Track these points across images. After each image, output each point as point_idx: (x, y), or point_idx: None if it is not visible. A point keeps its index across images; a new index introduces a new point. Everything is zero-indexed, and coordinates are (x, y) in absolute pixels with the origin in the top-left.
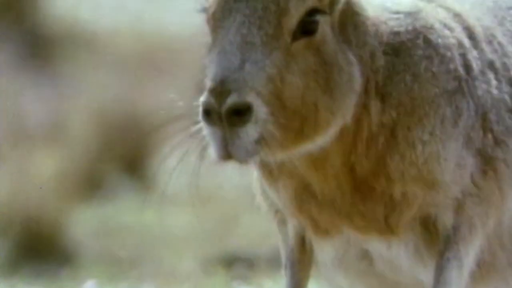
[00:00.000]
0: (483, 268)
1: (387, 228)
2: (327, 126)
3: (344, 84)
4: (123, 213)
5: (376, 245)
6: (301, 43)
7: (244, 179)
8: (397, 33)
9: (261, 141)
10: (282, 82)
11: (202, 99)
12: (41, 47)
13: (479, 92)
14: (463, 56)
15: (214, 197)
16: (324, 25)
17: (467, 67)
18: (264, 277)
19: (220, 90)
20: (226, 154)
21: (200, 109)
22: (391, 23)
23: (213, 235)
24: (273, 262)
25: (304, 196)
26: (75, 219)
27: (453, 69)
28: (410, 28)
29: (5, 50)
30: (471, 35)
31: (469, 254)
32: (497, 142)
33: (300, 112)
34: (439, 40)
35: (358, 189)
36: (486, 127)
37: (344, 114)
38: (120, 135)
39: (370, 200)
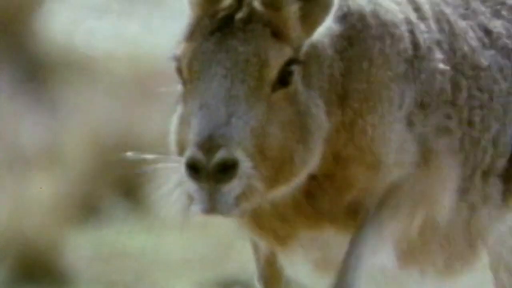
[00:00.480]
0: (409, 250)
1: (334, 217)
2: (300, 175)
3: (316, 131)
4: (119, 237)
5: (328, 234)
6: (279, 94)
7: None
8: (344, 17)
9: (243, 195)
10: (264, 135)
11: (188, 153)
12: (37, 72)
13: (423, 76)
14: (411, 32)
15: (210, 221)
16: (297, 74)
17: (415, 45)
18: None
19: (208, 145)
20: (211, 208)
21: (185, 164)
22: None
23: (209, 259)
24: None
25: (259, 211)
26: (71, 242)
27: (402, 50)
28: (356, 7)
29: (1, 75)
30: (417, 8)
31: (391, 226)
32: (439, 129)
33: (277, 163)
34: (388, 16)
35: (310, 189)
36: (427, 113)
37: (316, 159)
38: (116, 159)
39: (320, 194)
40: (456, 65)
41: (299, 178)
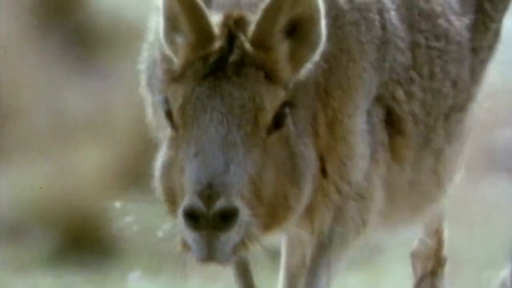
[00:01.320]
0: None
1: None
2: (294, 215)
3: (306, 171)
4: (165, 205)
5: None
6: (273, 137)
7: None
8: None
9: (241, 243)
10: (260, 181)
11: (186, 202)
12: (85, 39)
13: (386, 65)
14: (380, 13)
15: None
16: (289, 115)
17: (383, 28)
18: None
19: (208, 194)
20: (209, 257)
21: (183, 212)
22: None
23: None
24: None
25: None
26: (119, 210)
27: (375, 36)
28: None
29: (50, 42)
30: None
31: (342, 259)
32: (408, 95)
33: (272, 207)
34: None
35: None
36: (396, 84)
37: (307, 196)
38: None
39: None
40: (414, 24)
41: (293, 218)
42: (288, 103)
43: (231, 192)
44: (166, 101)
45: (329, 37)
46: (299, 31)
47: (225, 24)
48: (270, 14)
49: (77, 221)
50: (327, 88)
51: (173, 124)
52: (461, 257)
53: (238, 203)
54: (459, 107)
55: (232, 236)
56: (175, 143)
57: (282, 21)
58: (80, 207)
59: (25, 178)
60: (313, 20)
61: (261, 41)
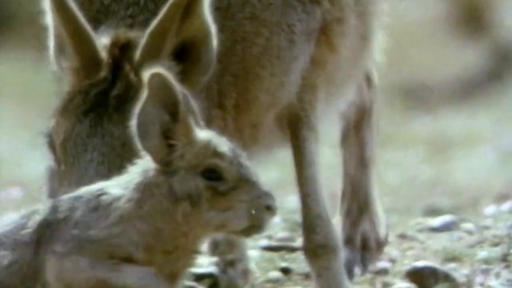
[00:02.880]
0: None
1: None
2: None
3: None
4: None
5: None
6: None
7: None
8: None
9: None
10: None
11: None
12: None
13: None
14: None
15: None
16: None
17: None
18: (441, 105)
19: None
20: None
21: None
22: None
23: (388, 64)
24: (449, 90)
25: None
26: None
27: None
28: None
29: None
30: None
31: (318, 115)
32: (332, 2)
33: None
34: None
35: None
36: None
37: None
38: None
39: None
40: None
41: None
42: None
43: None
44: (49, 135)
45: (223, 28)
46: (189, 53)
47: (110, 51)
48: (155, 38)
49: None
50: (221, 92)
51: (57, 159)
52: None
53: None
54: None
55: None
56: (59, 178)
57: (169, 45)
58: None
59: None
60: (204, 41)
61: (148, 67)
